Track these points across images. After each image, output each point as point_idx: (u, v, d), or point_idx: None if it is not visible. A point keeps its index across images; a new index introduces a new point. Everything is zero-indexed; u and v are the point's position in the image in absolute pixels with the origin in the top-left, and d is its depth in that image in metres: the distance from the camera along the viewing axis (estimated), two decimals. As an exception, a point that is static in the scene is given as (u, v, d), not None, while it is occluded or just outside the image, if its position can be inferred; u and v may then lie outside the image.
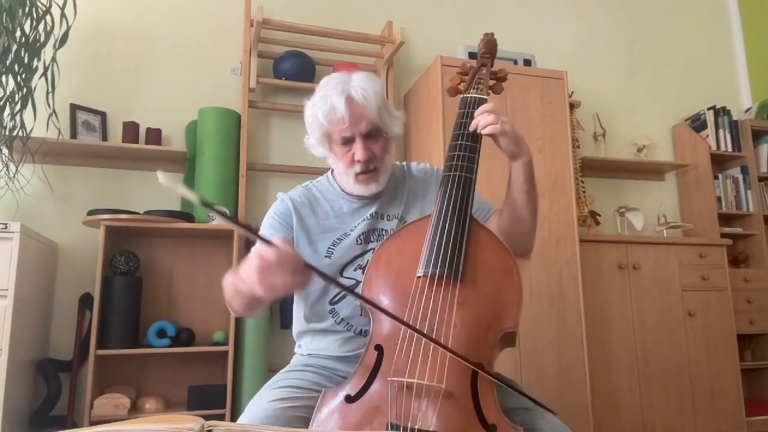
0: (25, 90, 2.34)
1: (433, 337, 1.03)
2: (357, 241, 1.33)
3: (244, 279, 1.05)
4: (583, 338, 2.70)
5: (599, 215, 3.30)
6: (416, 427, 0.96)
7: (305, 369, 1.29)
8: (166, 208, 2.66)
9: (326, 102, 1.26)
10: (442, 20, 3.45)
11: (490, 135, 1.22)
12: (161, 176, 0.84)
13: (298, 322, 1.41)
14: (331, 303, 1.31)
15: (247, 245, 2.77)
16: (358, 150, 1.27)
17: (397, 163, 1.48)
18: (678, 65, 3.94)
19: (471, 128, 1.25)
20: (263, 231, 1.35)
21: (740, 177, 3.61)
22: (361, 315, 1.25)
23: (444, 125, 2.66)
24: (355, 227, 1.34)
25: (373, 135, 1.29)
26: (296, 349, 1.43)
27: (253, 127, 2.96)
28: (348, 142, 1.29)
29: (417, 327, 1.04)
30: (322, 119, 1.27)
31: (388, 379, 1.01)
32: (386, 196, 1.39)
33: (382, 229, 1.34)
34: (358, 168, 1.30)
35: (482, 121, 1.22)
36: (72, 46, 2.59)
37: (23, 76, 2.34)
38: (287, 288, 1.01)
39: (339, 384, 1.12)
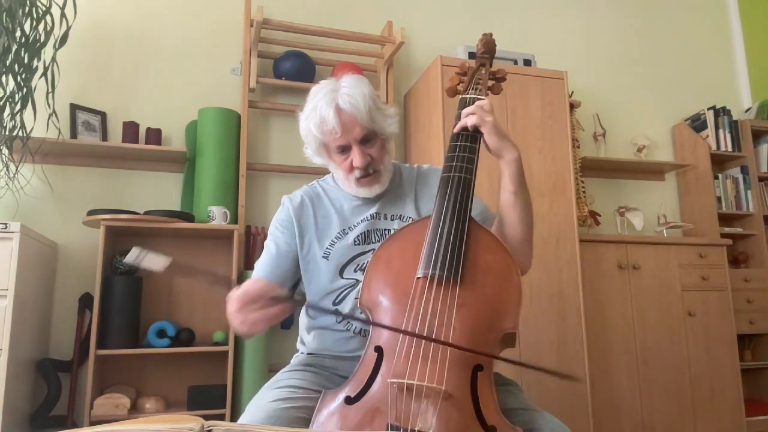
0: (25, 90, 2.34)
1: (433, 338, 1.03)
2: (355, 242, 1.33)
3: (230, 321, 1.09)
4: (583, 338, 2.70)
5: (599, 215, 3.30)
6: (416, 428, 0.95)
7: (306, 369, 1.29)
8: (166, 208, 2.66)
9: (317, 114, 1.26)
10: (442, 20, 3.45)
11: (472, 126, 1.24)
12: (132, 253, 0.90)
13: (304, 316, 1.42)
14: (334, 303, 1.31)
15: (247, 244, 2.77)
16: (356, 157, 1.28)
17: (407, 165, 1.49)
18: (678, 65, 3.93)
19: (455, 130, 1.27)
20: (269, 240, 1.37)
21: (740, 177, 3.61)
22: (361, 314, 1.25)
23: (444, 125, 2.66)
24: (354, 226, 1.34)
25: (368, 139, 1.30)
26: (298, 345, 1.43)
27: (253, 127, 2.96)
28: (345, 149, 1.30)
29: (417, 328, 1.04)
30: (316, 131, 1.28)
31: (388, 380, 1.01)
32: (389, 196, 1.38)
33: (385, 229, 1.33)
34: (358, 173, 1.31)
35: (464, 111, 1.25)
36: (72, 46, 2.59)
37: (23, 76, 2.34)
38: (267, 322, 1.05)
39: (339, 384, 1.12)
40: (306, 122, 1.30)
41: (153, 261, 0.86)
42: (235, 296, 1.02)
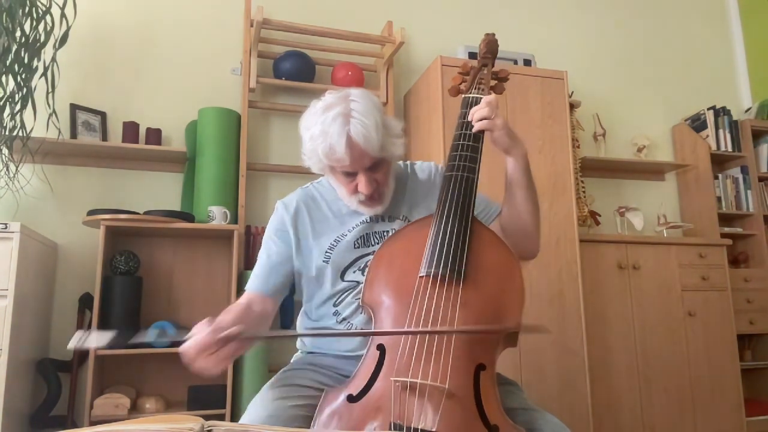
0: (25, 90, 2.34)
1: (436, 339, 1.03)
2: (354, 245, 1.31)
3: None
4: (583, 338, 2.70)
5: (599, 215, 3.30)
6: (419, 427, 0.95)
7: (307, 367, 1.29)
8: (166, 208, 2.66)
9: (325, 140, 1.19)
10: (442, 20, 3.45)
11: (483, 130, 1.25)
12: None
13: (301, 318, 1.42)
14: (335, 305, 1.31)
15: (247, 244, 2.77)
16: (362, 184, 1.24)
17: (400, 163, 1.47)
18: (678, 65, 3.94)
19: (468, 118, 1.27)
20: (262, 250, 1.36)
21: (740, 177, 3.61)
22: (361, 313, 1.25)
23: (444, 125, 2.66)
24: (351, 229, 1.33)
25: (376, 165, 1.26)
26: (298, 345, 1.43)
27: (253, 127, 2.96)
28: (351, 174, 1.26)
29: (419, 326, 1.04)
30: (323, 157, 1.22)
31: (391, 378, 1.01)
32: None
33: (384, 231, 1.32)
34: (362, 197, 1.27)
35: (477, 113, 1.25)
36: (72, 46, 2.59)
37: (23, 76, 2.34)
38: (227, 362, 1.04)
39: (341, 383, 1.12)
40: (312, 143, 1.22)
41: (97, 340, 0.92)
42: (185, 348, 1.01)
